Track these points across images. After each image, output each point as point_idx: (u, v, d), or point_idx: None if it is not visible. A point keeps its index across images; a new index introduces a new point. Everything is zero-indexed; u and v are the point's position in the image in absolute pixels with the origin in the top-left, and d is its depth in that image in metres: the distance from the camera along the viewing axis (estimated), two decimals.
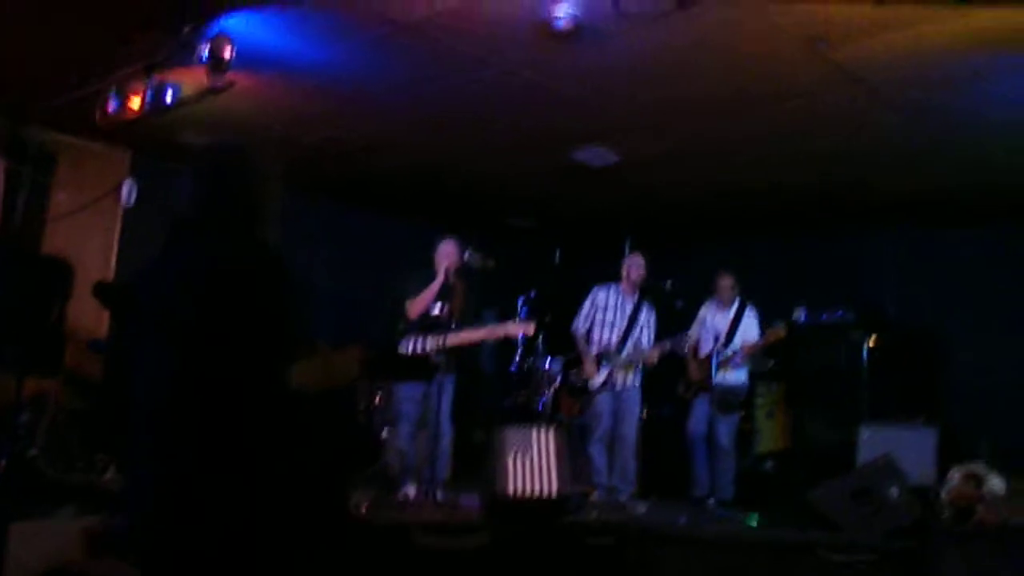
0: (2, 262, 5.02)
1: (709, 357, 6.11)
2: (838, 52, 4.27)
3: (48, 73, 4.98)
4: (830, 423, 6.89)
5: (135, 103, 4.83)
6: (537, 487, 5.00)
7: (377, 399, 6.54)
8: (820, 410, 7.05)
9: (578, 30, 4.07)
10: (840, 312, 7.04)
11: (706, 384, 6.11)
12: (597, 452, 5.98)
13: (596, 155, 6.13)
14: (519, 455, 5.04)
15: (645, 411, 6.20)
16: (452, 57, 4.62)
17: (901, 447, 5.79)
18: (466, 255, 5.67)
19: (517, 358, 6.35)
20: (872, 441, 6.19)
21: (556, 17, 3.97)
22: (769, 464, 6.95)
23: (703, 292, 6.44)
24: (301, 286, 2.30)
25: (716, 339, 5.95)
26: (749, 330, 6.25)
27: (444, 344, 5.29)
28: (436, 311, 5.48)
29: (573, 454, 5.47)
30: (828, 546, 5.00)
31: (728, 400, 6.15)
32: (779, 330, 5.95)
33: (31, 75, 5.07)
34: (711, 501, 5.97)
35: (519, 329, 5.54)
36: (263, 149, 2.41)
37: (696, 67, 4.59)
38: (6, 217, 5.46)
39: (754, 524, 5.41)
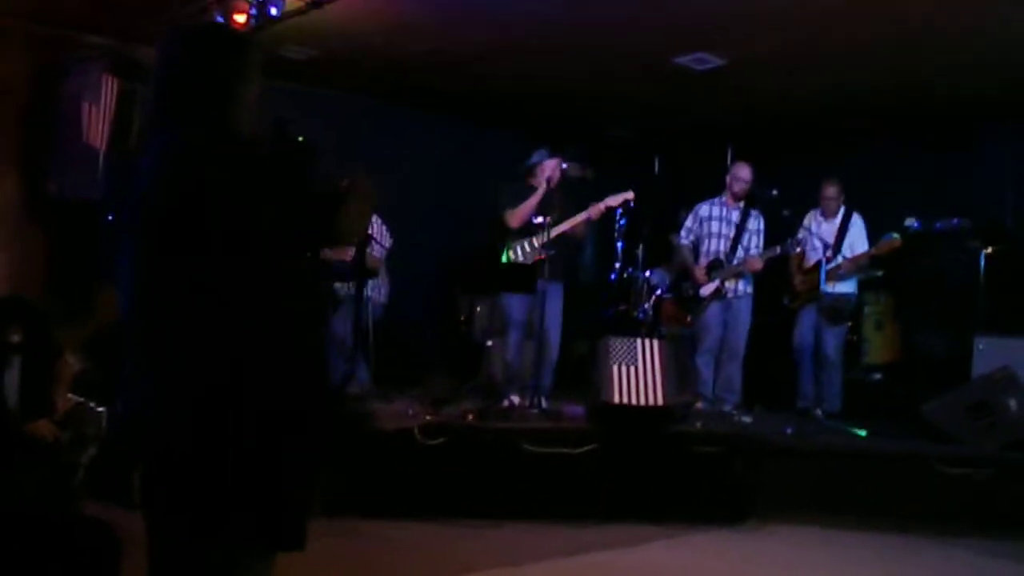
0: (122, 177, 5.19)
1: (816, 267, 5.93)
2: None
3: None
4: (942, 334, 6.66)
5: (240, 18, 4.85)
6: (642, 397, 5.02)
7: (477, 309, 6.62)
8: (932, 321, 6.81)
9: None
10: (955, 221, 6.70)
11: (813, 294, 5.96)
12: (704, 363, 5.96)
13: (699, 59, 5.88)
14: (624, 365, 5.05)
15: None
16: None
17: (1020, 360, 5.56)
18: (566, 166, 5.61)
19: (616, 268, 6.29)
20: (988, 353, 5.95)
21: None
22: (878, 376, 6.79)
23: (808, 202, 6.22)
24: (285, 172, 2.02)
25: (825, 248, 5.76)
26: (857, 239, 6.02)
27: (549, 237, 5.29)
28: (538, 220, 5.48)
29: (677, 365, 5.45)
30: (943, 459, 4.91)
31: (836, 310, 5.99)
32: (894, 241, 5.71)
33: None
34: (818, 412, 5.89)
35: (619, 199, 5.48)
36: (233, 34, 2.19)
37: None
38: (123, 134, 5.61)
39: (863, 435, 5.34)
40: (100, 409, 4.23)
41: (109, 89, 5.62)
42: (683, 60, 5.91)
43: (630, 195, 5.49)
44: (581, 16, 5.24)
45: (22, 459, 3.90)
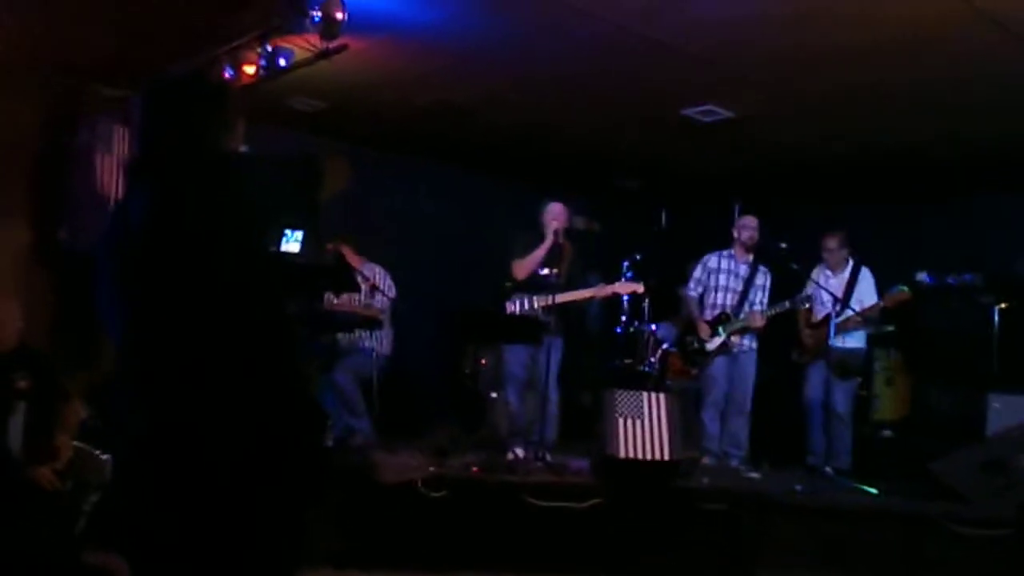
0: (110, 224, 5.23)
1: (825, 321, 5.89)
2: None
3: (165, 45, 5.09)
4: (955, 391, 6.57)
5: (250, 70, 4.93)
6: (648, 451, 4.94)
7: (483, 361, 6.59)
8: (944, 377, 6.72)
9: None
10: (968, 276, 6.65)
11: (822, 349, 5.90)
12: (710, 418, 5.88)
13: (707, 112, 5.93)
14: (629, 419, 4.99)
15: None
16: (563, 13, 4.51)
17: None
18: (573, 218, 5.63)
19: (623, 321, 6.26)
20: (1003, 410, 5.87)
21: None
22: (888, 432, 6.68)
23: (817, 256, 6.19)
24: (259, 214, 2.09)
25: (834, 302, 5.71)
26: (866, 293, 5.96)
27: (553, 303, 5.27)
28: (544, 272, 5.47)
29: (683, 419, 5.38)
30: (957, 519, 4.78)
31: (845, 365, 5.91)
32: (903, 293, 5.67)
33: (149, 47, 5.19)
34: (827, 469, 5.78)
35: (629, 288, 5.48)
36: (213, 84, 2.23)
37: (822, 16, 4.33)
38: None
39: (874, 493, 5.22)
40: (104, 456, 4.20)
41: (121, 139, 5.70)
42: (691, 112, 5.96)
43: (640, 287, 5.50)
44: (589, 67, 5.30)
45: (25, 506, 3.89)
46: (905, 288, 5.71)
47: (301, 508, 2.07)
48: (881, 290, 5.91)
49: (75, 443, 4.24)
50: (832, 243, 6.04)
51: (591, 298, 5.56)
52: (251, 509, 1.90)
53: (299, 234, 2.77)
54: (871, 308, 5.82)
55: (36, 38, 5.24)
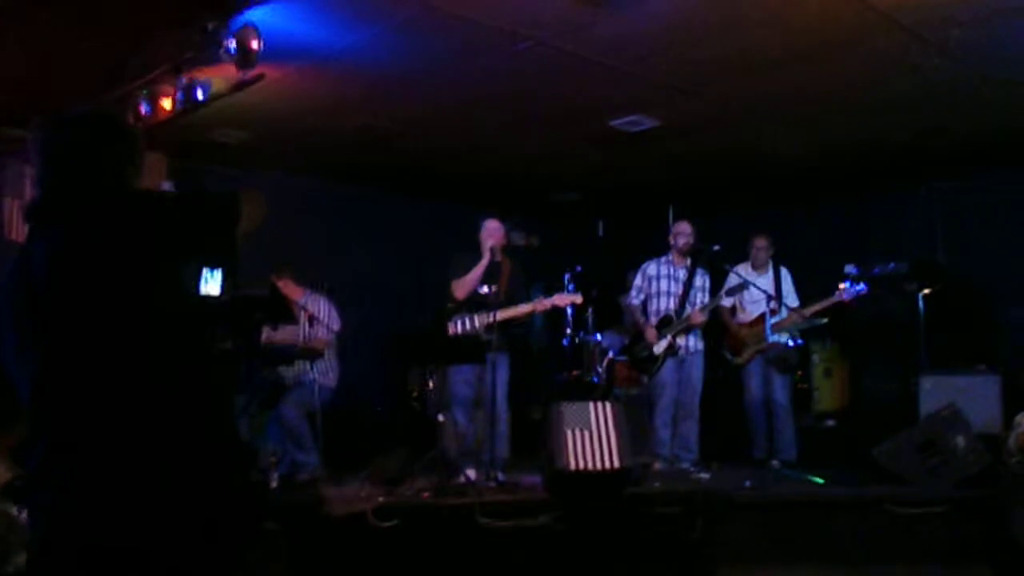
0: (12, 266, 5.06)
1: (759, 320, 6.01)
2: None
3: (78, 81, 4.96)
4: (889, 377, 6.78)
5: (167, 104, 4.83)
6: (598, 461, 4.95)
7: (430, 384, 6.51)
8: (878, 364, 6.93)
9: None
10: (892, 264, 6.87)
11: (760, 346, 6.01)
12: (661, 423, 5.92)
13: (635, 122, 6.02)
14: (577, 430, 4.99)
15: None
16: (483, 34, 4.53)
17: (964, 396, 5.68)
18: (510, 234, 5.62)
19: (567, 333, 6.28)
20: (934, 392, 6.06)
21: None
22: (830, 422, 6.84)
23: (742, 256, 6.32)
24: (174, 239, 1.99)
25: (768, 300, 5.83)
26: (789, 292, 6.17)
27: (494, 320, 5.25)
28: (484, 291, 5.45)
29: (632, 426, 5.40)
30: (897, 500, 4.91)
31: (786, 360, 6.04)
32: (863, 292, 5.80)
33: (61, 84, 5.05)
34: (774, 463, 5.88)
35: (567, 300, 5.49)
36: (117, 120, 2.17)
37: (736, 24, 4.44)
38: None
39: (820, 483, 5.33)
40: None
41: (30, 181, 5.50)
42: (619, 123, 6.04)
43: (578, 298, 5.51)
44: (513, 85, 5.34)
45: None
46: (861, 279, 5.85)
47: (234, 550, 1.99)
48: (802, 287, 6.05)
49: None
50: (762, 242, 6.19)
51: (532, 312, 5.56)
52: (183, 558, 1.82)
53: (217, 273, 2.69)
54: (824, 306, 5.89)
55: None
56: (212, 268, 2.41)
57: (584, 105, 5.70)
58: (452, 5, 4.20)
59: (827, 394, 7.01)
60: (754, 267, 6.21)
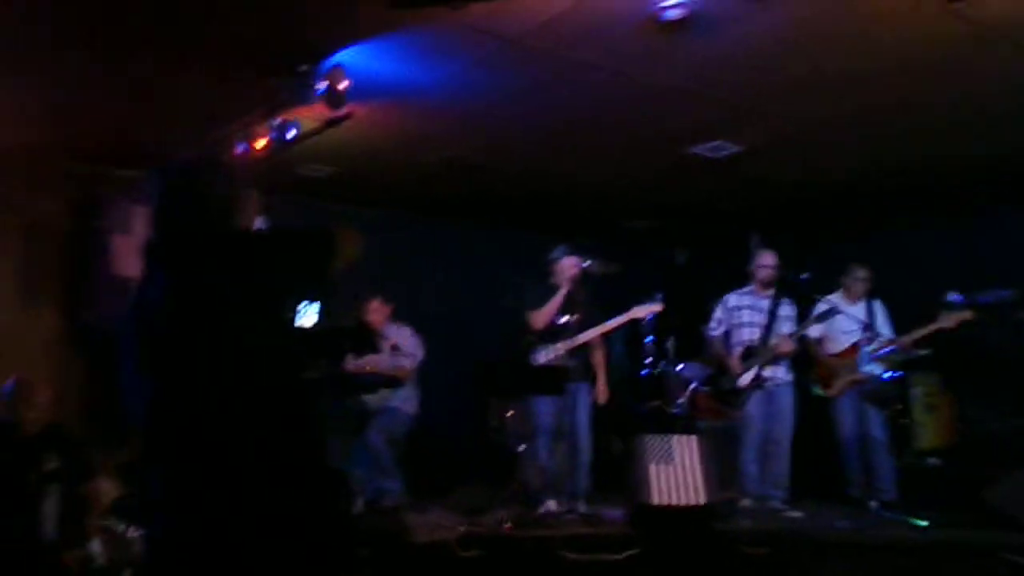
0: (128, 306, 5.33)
1: (851, 351, 5.77)
2: (977, 10, 3.93)
3: (178, 126, 5.23)
4: (998, 411, 6.36)
5: (261, 143, 5.03)
6: (683, 496, 4.84)
7: (508, 414, 6.52)
8: (985, 398, 6.52)
9: (689, 20, 3.93)
10: (1003, 292, 6.47)
11: (851, 378, 5.77)
12: (749, 458, 5.72)
13: (715, 148, 5.93)
14: (661, 464, 4.90)
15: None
16: (561, 65, 4.56)
17: None
18: (587, 263, 5.60)
19: (648, 363, 6.17)
20: None
21: (665, 7, 3.84)
22: (933, 461, 6.47)
23: (836, 285, 6.08)
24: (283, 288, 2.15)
25: (863, 329, 5.59)
26: (883, 325, 5.90)
27: (575, 344, 5.23)
28: (562, 320, 5.44)
29: (717, 460, 5.26)
30: (1015, 548, 4.59)
31: (880, 394, 5.77)
32: (965, 313, 5.50)
33: (162, 129, 5.35)
34: (872, 503, 5.59)
35: (646, 310, 5.43)
36: (227, 164, 2.29)
37: (821, 43, 4.31)
38: None
39: (923, 525, 5.04)
40: (135, 534, 4.21)
41: (137, 220, 5.81)
42: (700, 149, 5.95)
43: (658, 307, 5.45)
44: (593, 114, 5.33)
45: None
46: (967, 308, 5.56)
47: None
48: (898, 318, 5.77)
49: (105, 522, 4.26)
50: (861, 272, 5.96)
51: (614, 330, 5.50)
52: None
53: (315, 306, 2.79)
54: (923, 335, 5.60)
55: (55, 127, 5.42)
56: (310, 302, 2.52)
57: (663, 132, 5.64)
58: (532, 39, 4.23)
59: (929, 430, 6.63)
60: (848, 297, 5.98)
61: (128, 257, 5.75)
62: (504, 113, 5.29)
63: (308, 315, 3.19)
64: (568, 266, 5.56)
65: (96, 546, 4.09)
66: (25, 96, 4.92)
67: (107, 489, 4.46)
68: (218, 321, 1.96)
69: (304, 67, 4.46)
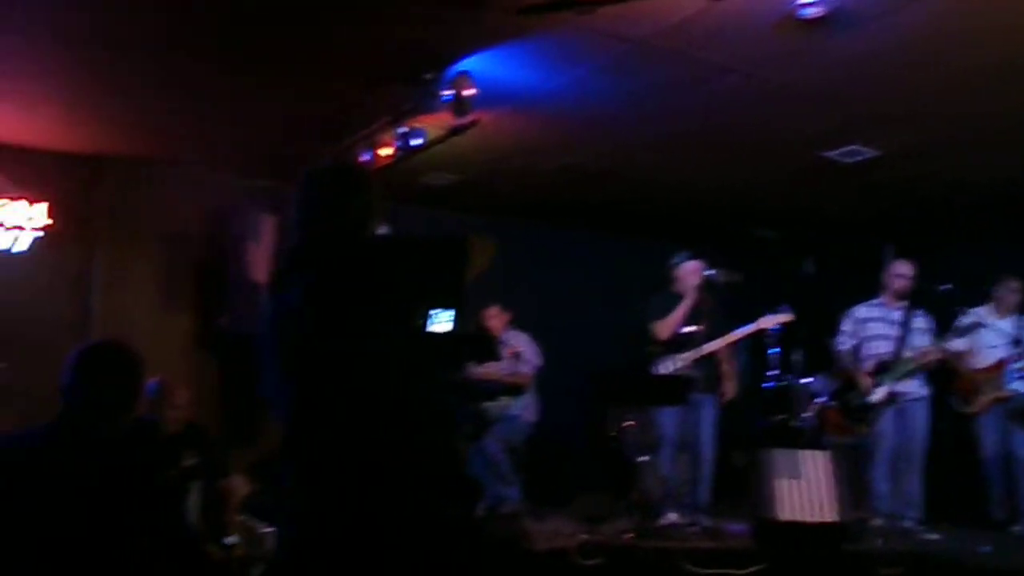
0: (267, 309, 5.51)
1: (997, 367, 5.44)
2: None
3: (305, 136, 5.41)
4: None
5: (385, 152, 5.13)
6: (811, 513, 4.66)
7: (628, 424, 6.44)
8: None
9: (828, 17, 3.79)
10: None
11: (996, 395, 5.44)
12: (880, 476, 5.46)
13: (849, 153, 5.70)
14: (789, 479, 4.74)
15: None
16: (690, 68, 4.48)
17: None
18: (710, 272, 5.49)
19: (773, 375, 5.98)
20: None
21: (803, 5, 3.72)
22: None
23: (981, 298, 5.74)
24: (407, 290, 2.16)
25: (1014, 344, 5.27)
26: None
27: (701, 354, 5.13)
28: (688, 330, 5.35)
29: (847, 477, 5.05)
30: None
31: None
32: None
33: (290, 139, 5.55)
34: (1017, 528, 5.25)
35: (774, 320, 5.29)
36: (360, 172, 2.30)
37: (977, 38, 4.04)
38: None
39: None
40: (267, 529, 4.34)
41: (268, 227, 6.04)
42: (833, 154, 5.74)
43: (788, 317, 5.30)
44: (722, 118, 5.21)
45: None
46: None
47: None
48: None
49: (240, 517, 4.41)
50: (1015, 284, 5.62)
51: (741, 339, 5.38)
52: None
53: (449, 313, 2.83)
54: None
55: (191, 139, 5.69)
56: (443, 309, 2.56)
57: (795, 136, 5.46)
58: (661, 41, 4.17)
59: None
60: (998, 310, 5.63)
61: (259, 264, 5.98)
62: (629, 118, 5.24)
63: (442, 322, 3.23)
64: (689, 272, 5.47)
65: (234, 540, 4.24)
66: (163, 109, 5.18)
67: (241, 486, 4.62)
68: (354, 326, 1.99)
69: (430, 75, 4.52)
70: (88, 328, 5.99)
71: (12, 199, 5.77)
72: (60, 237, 5.96)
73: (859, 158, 5.76)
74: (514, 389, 5.77)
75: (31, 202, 5.83)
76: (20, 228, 5.79)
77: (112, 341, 2.57)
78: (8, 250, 5.76)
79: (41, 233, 5.85)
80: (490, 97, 4.67)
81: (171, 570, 2.47)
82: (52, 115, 5.32)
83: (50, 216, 5.88)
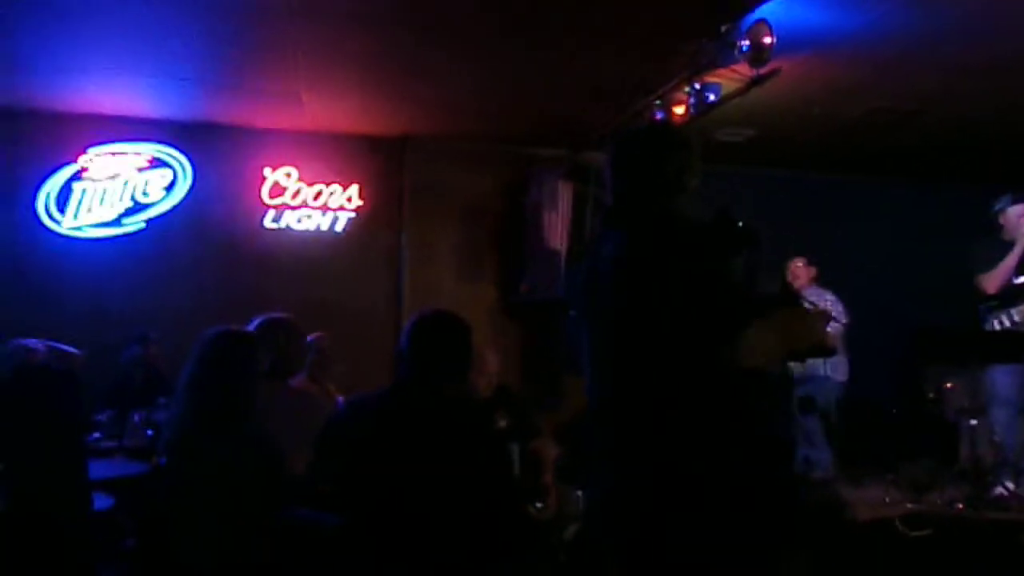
0: (579, 270, 5.68)
1: None
2: None
3: (601, 101, 5.48)
4: None
5: (680, 111, 5.07)
6: None
7: (948, 385, 5.93)
8: None
9: None
10: None
11: None
12: None
13: None
14: None
15: None
16: None
17: None
18: None
19: None
20: None
21: None
22: None
23: None
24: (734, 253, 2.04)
25: None
26: None
27: None
28: (1020, 280, 4.79)
29: None
30: None
31: None
32: None
33: (583, 108, 5.66)
34: None
35: None
36: (678, 131, 2.16)
37: None
38: (578, 234, 6.17)
39: None
40: (577, 492, 4.53)
41: (564, 195, 6.23)
42: None
43: None
44: None
45: (529, 541, 4.32)
46: None
47: (775, 549, 2.01)
48: None
49: (553, 478, 4.62)
50: None
51: None
52: (729, 549, 1.89)
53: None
54: None
55: (489, 115, 5.98)
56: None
57: None
58: None
59: None
60: None
61: (556, 231, 6.20)
62: (939, 55, 4.80)
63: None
64: (1017, 216, 4.89)
65: (547, 500, 4.44)
66: (464, 87, 5.45)
67: (550, 447, 4.83)
68: (659, 287, 1.96)
69: (726, 26, 4.40)
70: (400, 300, 6.53)
71: (328, 184, 6.45)
72: (371, 216, 6.54)
73: None
74: (823, 350, 5.51)
75: (344, 186, 6.47)
76: (339, 209, 6.46)
77: (443, 310, 2.75)
78: (329, 230, 6.45)
79: (354, 214, 6.49)
80: (789, 44, 4.46)
81: (503, 528, 2.63)
82: (360, 100, 5.74)
83: (361, 197, 6.50)
